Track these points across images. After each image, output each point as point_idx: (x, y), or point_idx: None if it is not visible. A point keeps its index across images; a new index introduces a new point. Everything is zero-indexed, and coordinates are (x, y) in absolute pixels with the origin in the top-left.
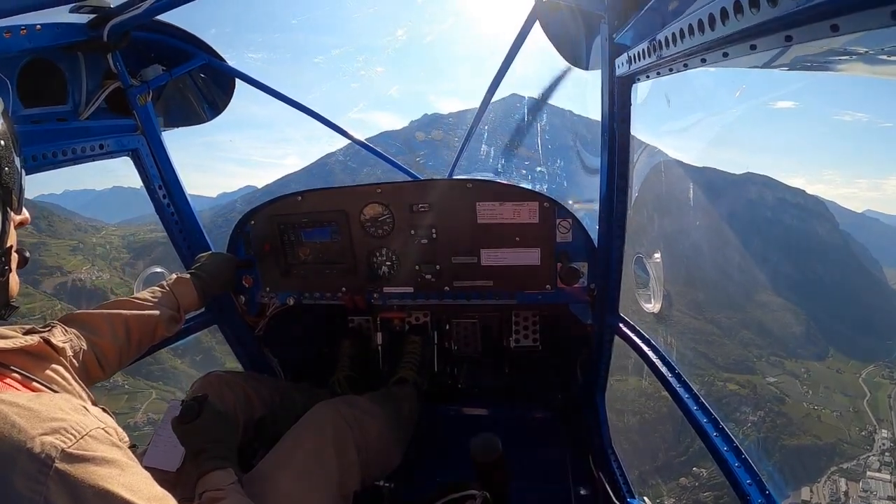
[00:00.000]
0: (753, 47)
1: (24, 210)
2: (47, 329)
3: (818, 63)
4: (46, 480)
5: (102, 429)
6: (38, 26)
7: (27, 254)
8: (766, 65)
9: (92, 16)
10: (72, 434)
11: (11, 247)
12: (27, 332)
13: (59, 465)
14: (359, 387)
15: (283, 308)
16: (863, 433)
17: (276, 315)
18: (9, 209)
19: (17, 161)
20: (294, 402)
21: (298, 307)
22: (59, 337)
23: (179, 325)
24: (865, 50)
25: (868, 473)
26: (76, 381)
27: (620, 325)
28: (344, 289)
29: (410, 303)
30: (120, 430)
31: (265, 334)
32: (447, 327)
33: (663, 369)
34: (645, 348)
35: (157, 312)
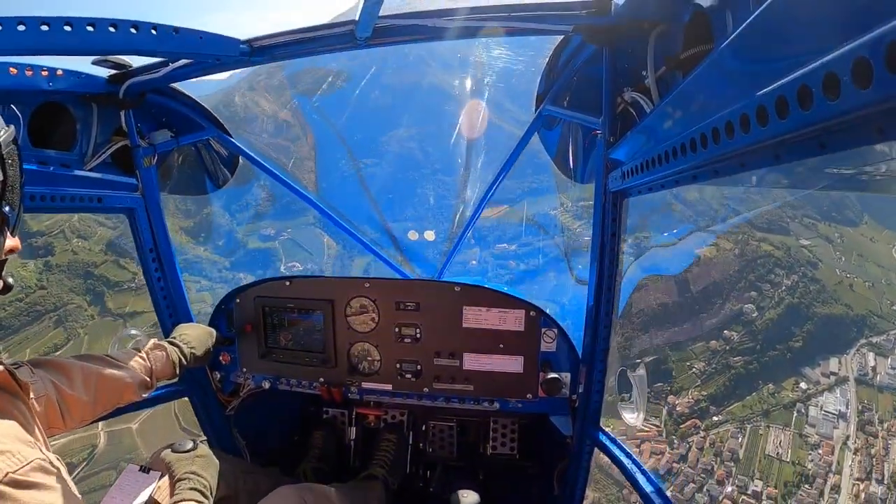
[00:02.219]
0: (743, 165)
1: (17, 239)
2: (14, 366)
3: (805, 181)
4: None
5: (48, 462)
6: (60, 71)
7: (10, 280)
8: (756, 184)
9: (113, 71)
10: (17, 459)
11: (4, 260)
12: None
13: (2, 487)
14: (326, 480)
15: (258, 390)
16: (894, 307)
17: (250, 396)
18: (6, 229)
19: (21, 190)
20: (257, 487)
21: (273, 391)
22: (25, 375)
23: (150, 391)
24: (853, 168)
25: None
26: (35, 421)
27: (601, 437)
28: (322, 379)
29: (388, 400)
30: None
31: (236, 414)
32: (423, 428)
33: (646, 486)
34: (626, 463)
35: (129, 375)
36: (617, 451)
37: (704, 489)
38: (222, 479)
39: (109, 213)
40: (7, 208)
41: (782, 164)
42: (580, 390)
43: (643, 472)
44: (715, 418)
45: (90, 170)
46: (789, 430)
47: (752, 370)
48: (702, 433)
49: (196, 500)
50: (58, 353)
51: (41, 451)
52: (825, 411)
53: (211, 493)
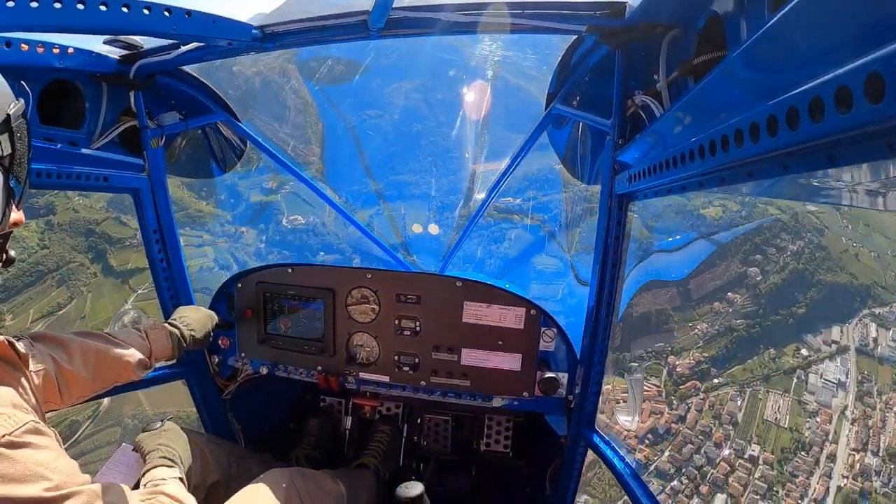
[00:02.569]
0: (750, 174)
1: (21, 213)
2: (15, 338)
3: (813, 193)
4: None
5: (42, 424)
6: (71, 49)
7: (12, 253)
8: (763, 192)
9: (124, 52)
10: (13, 421)
11: (9, 233)
12: None
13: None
14: (318, 467)
15: (255, 376)
16: None
17: (247, 382)
18: (12, 202)
19: (28, 165)
20: (250, 472)
21: (271, 378)
22: (25, 347)
23: (148, 371)
24: (862, 181)
25: None
26: (33, 393)
27: (595, 439)
28: (319, 368)
29: (385, 392)
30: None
31: (233, 399)
32: (418, 421)
33: (637, 490)
34: (619, 466)
35: (128, 354)
36: (610, 454)
37: (702, 451)
38: (216, 464)
39: (115, 192)
40: (13, 182)
41: (790, 174)
42: (577, 391)
43: (636, 478)
44: (715, 380)
45: (97, 149)
46: (788, 396)
47: (753, 334)
48: (701, 395)
49: (165, 466)
50: (61, 311)
51: (35, 416)
52: (825, 379)
53: (181, 462)
